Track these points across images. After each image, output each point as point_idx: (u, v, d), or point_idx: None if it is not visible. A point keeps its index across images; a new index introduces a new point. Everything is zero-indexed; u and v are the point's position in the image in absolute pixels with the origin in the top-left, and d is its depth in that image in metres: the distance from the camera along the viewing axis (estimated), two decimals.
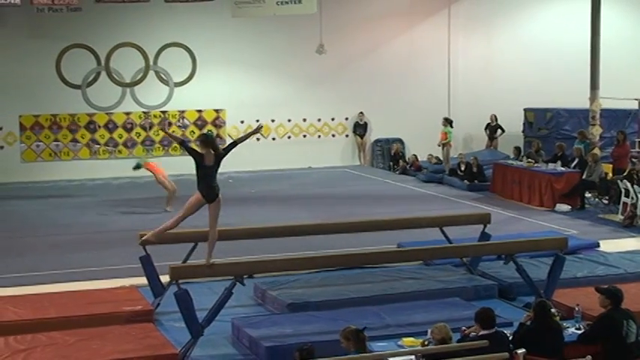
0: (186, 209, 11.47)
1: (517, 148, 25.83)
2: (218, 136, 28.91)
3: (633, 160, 22.65)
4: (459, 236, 15.05)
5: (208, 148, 11.41)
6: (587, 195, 21.88)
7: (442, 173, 26.56)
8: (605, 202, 21.33)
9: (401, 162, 28.69)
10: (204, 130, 28.47)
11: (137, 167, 22.46)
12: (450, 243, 14.41)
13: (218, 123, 29.05)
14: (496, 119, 29.38)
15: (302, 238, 15.18)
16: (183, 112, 28.74)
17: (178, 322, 11.67)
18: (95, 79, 27.98)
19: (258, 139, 29.35)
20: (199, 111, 28.89)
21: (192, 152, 11.45)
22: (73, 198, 24.14)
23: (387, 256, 13.73)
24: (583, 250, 16.33)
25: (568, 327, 10.85)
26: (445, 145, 27.68)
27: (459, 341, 9.72)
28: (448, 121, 28.05)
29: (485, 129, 29.69)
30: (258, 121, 29.22)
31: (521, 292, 13.33)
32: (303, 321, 11.82)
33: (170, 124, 28.54)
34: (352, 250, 14.97)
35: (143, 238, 12.15)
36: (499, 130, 29.41)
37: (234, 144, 11.71)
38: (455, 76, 30.73)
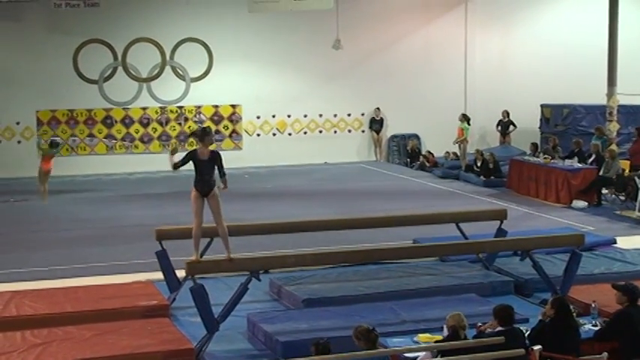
0: (193, 208, 11.40)
1: (534, 144, 25.76)
2: (234, 131, 28.94)
3: None
4: (475, 232, 14.99)
5: (202, 142, 11.36)
6: (604, 191, 21.79)
7: (458, 169, 26.52)
8: (622, 198, 21.24)
9: (421, 158, 28.57)
10: (221, 126, 28.52)
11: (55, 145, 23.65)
12: (466, 239, 14.40)
13: (234, 118, 29.07)
14: (508, 115, 29.33)
15: (318, 234, 15.18)
16: (199, 107, 28.78)
17: (194, 317, 11.70)
18: (112, 75, 28.05)
19: (274, 135, 29.39)
20: (215, 106, 28.92)
21: (186, 156, 11.38)
22: (90, 193, 24.21)
23: (403, 251, 13.71)
24: (599, 246, 16.27)
25: (584, 324, 10.83)
26: (462, 141, 27.62)
27: (474, 337, 9.71)
28: (465, 118, 27.98)
29: (498, 125, 29.62)
30: (274, 116, 29.32)
31: (538, 289, 13.29)
32: (319, 316, 11.82)
33: (186, 119, 28.59)
34: (368, 245, 14.92)
35: (192, 262, 11.27)
36: (511, 126, 29.36)
37: (223, 173, 11.57)
38: (471, 72, 30.66)
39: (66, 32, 27.30)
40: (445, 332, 9.77)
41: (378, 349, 9.12)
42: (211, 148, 11.44)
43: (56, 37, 27.32)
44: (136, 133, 28.43)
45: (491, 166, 24.98)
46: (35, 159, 27.28)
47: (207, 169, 11.31)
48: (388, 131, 30.53)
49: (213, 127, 28.50)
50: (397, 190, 24.01)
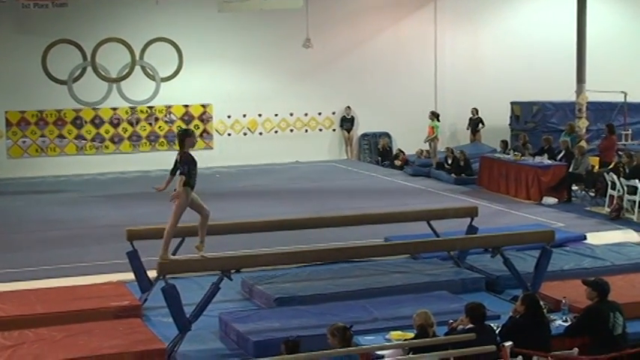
0: None
1: (504, 142, 25.87)
2: (205, 131, 28.88)
3: (619, 152, 22.71)
4: (447, 229, 15.06)
5: (182, 143, 11.39)
6: (574, 188, 21.92)
7: (429, 167, 26.55)
8: (592, 194, 21.37)
9: (398, 157, 28.45)
10: (191, 125, 28.45)
11: None
12: (438, 236, 14.42)
13: (205, 118, 29.01)
14: (477, 112, 29.48)
15: (289, 233, 15.15)
16: (169, 107, 28.70)
17: (166, 317, 11.67)
18: (81, 75, 27.92)
19: (245, 134, 29.36)
20: (186, 106, 28.85)
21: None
22: (60, 194, 24.10)
23: (374, 249, 13.73)
24: (570, 242, 16.37)
25: (555, 319, 10.91)
26: (433, 139, 27.64)
27: (446, 334, 9.75)
28: (435, 115, 28.01)
29: (469, 124, 29.75)
30: (245, 116, 29.31)
31: (509, 285, 13.32)
32: (291, 315, 11.81)
33: (157, 119, 28.51)
34: (340, 244, 14.97)
35: (164, 262, 11.23)
36: (480, 124, 29.50)
37: (184, 172, 11.29)
38: (442, 70, 30.75)
39: (34, 32, 27.15)
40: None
41: (352, 346, 9.13)
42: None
43: (25, 38, 27.16)
44: (106, 133, 28.32)
45: (462, 163, 25.06)
46: (5, 160, 27.28)
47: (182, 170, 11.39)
48: (359, 130, 30.58)
49: (184, 127, 28.47)
50: (368, 189, 24.04)
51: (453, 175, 24.94)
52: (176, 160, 11.40)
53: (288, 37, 28.62)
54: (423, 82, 30.54)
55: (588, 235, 17.07)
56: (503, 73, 30.39)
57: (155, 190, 11.70)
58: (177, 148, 11.55)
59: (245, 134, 29.48)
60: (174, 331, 11.15)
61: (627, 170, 20.04)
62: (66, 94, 27.64)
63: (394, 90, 30.23)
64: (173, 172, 11.52)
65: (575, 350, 9.67)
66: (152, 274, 12.41)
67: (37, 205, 22.34)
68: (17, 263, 15.81)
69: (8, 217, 20.96)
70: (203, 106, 29.00)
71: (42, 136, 27.71)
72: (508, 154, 24.12)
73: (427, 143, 27.88)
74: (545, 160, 22.56)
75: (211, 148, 28.77)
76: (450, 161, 25.57)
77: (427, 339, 9.34)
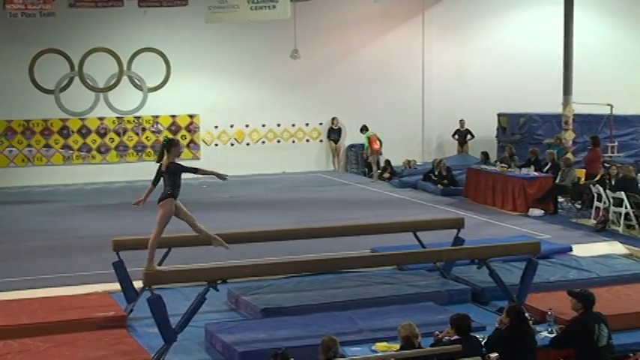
0: None
1: (484, 153, 25.88)
2: (192, 141, 28.88)
3: (605, 164, 22.77)
4: (433, 241, 15.04)
5: (168, 153, 11.39)
6: (560, 199, 21.96)
7: (416, 178, 26.49)
8: (578, 206, 21.40)
9: (387, 170, 28.36)
10: (178, 135, 28.42)
11: None
12: (424, 247, 14.44)
13: (192, 128, 29.00)
14: (464, 124, 29.58)
15: (276, 243, 15.16)
16: (157, 117, 28.68)
17: (151, 327, 11.64)
18: (68, 84, 27.89)
19: (232, 145, 29.36)
20: (173, 116, 28.83)
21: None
22: (46, 204, 24.04)
23: (361, 260, 13.69)
24: (556, 254, 16.39)
25: (541, 331, 10.92)
26: (374, 151, 27.62)
27: (431, 345, 9.75)
28: (363, 128, 27.97)
29: (454, 135, 29.89)
30: (232, 126, 29.31)
31: (495, 297, 13.33)
32: (277, 326, 11.80)
33: (144, 129, 28.47)
34: (326, 255, 14.91)
35: (149, 272, 11.29)
36: (469, 135, 29.59)
37: (194, 170, 11.74)
38: (429, 82, 30.81)
39: (22, 42, 27.10)
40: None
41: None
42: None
43: (12, 47, 27.11)
44: (93, 143, 28.27)
45: (444, 173, 25.10)
46: None
47: (167, 180, 11.37)
48: (346, 141, 30.60)
49: (169, 136, 28.43)
50: (355, 200, 24.05)
51: (439, 186, 24.96)
52: (159, 170, 11.43)
53: (276, 48, 28.65)
54: (411, 93, 30.60)
55: (574, 246, 17.11)
56: (490, 84, 30.49)
57: (135, 206, 11.76)
58: (159, 157, 11.54)
59: (232, 145, 29.48)
60: (159, 341, 11.13)
61: (613, 182, 20.08)
62: (53, 104, 27.59)
63: (381, 101, 30.27)
64: (155, 182, 11.58)
65: None
66: (138, 284, 12.36)
67: (23, 215, 22.27)
68: (2, 273, 15.72)
69: None
70: (190, 116, 29.00)
71: (28, 145, 27.65)
72: (494, 165, 24.15)
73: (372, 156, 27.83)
74: (531, 171, 22.60)
75: (198, 159, 28.72)
76: (437, 172, 25.57)
77: (413, 350, 9.35)
